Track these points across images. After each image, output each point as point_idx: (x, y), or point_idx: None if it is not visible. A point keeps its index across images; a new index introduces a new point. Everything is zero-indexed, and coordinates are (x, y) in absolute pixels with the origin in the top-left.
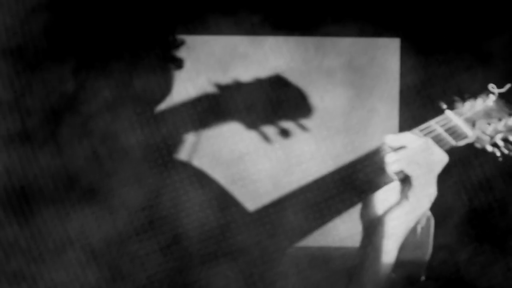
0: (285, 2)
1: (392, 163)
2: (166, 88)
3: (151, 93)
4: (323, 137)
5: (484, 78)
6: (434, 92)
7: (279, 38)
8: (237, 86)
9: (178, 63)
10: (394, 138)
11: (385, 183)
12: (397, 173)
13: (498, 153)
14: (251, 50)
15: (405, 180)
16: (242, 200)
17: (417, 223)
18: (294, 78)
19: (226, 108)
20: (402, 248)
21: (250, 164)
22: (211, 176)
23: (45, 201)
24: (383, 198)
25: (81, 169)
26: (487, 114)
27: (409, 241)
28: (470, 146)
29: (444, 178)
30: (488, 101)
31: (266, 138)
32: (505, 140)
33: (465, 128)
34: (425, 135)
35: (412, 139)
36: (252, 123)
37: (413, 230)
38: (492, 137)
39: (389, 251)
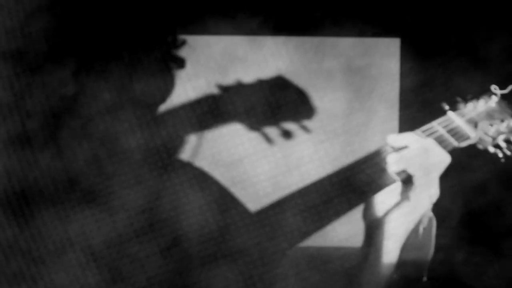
0: (284, 3)
1: (394, 163)
2: (165, 91)
3: (150, 96)
4: (323, 139)
5: (485, 79)
6: (434, 93)
7: (278, 39)
8: (237, 88)
9: (180, 63)
10: (396, 138)
11: (387, 184)
12: (399, 174)
13: (500, 154)
14: (251, 51)
15: (407, 181)
16: (242, 203)
17: (419, 223)
18: (294, 79)
19: (225, 111)
20: (404, 248)
21: (249, 167)
22: (210, 179)
23: (45, 203)
24: (385, 199)
25: (81, 171)
26: (489, 115)
27: (411, 242)
28: (472, 147)
29: (441, 180)
30: (491, 102)
31: (265, 140)
32: (507, 141)
33: (467, 129)
34: (428, 136)
35: (414, 139)
36: (252, 126)
37: (415, 231)
38: (494, 138)
39: (390, 251)
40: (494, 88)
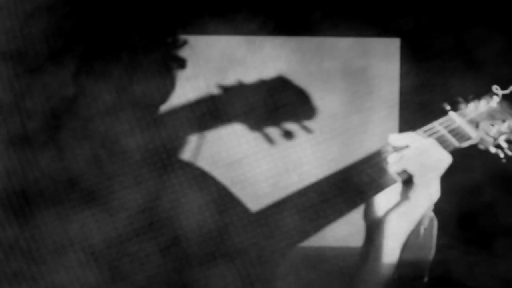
0: (284, 4)
1: (395, 163)
2: (166, 92)
3: (150, 97)
4: (323, 139)
5: (486, 79)
6: (434, 94)
7: (278, 40)
8: (236, 89)
9: (180, 63)
10: (397, 138)
11: (388, 184)
12: (400, 174)
13: (501, 155)
14: (251, 52)
15: (408, 181)
16: (240, 203)
17: (419, 224)
18: (293, 80)
19: (224, 112)
20: (405, 249)
21: (248, 168)
22: (210, 179)
23: (45, 202)
24: (385, 198)
25: (81, 172)
26: (491, 116)
27: (412, 242)
28: (473, 147)
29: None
30: (492, 102)
31: (266, 141)
32: (509, 141)
33: (469, 130)
34: (429, 136)
35: (415, 139)
36: (251, 126)
37: (416, 231)
38: (495, 139)
39: (390, 251)
40: (495, 88)
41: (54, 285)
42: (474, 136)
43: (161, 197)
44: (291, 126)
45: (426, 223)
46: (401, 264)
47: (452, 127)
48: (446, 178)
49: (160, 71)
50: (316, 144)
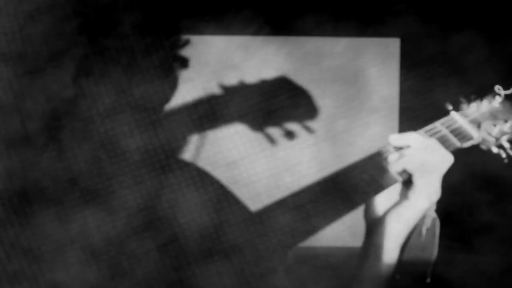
0: (284, 3)
1: (395, 163)
2: (168, 92)
3: (149, 100)
4: (323, 140)
5: (486, 79)
6: (434, 93)
7: (278, 40)
8: (234, 91)
9: (183, 63)
10: (398, 138)
11: (389, 184)
12: (401, 173)
13: (503, 155)
14: (250, 52)
15: (408, 181)
16: (236, 202)
17: (422, 224)
18: (294, 80)
19: (221, 115)
20: (408, 249)
21: (244, 168)
22: (206, 179)
23: (46, 202)
24: (386, 198)
25: (81, 172)
26: (493, 116)
27: (414, 242)
28: (475, 147)
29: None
30: (494, 102)
31: (262, 142)
32: (511, 141)
33: (471, 130)
34: (430, 136)
35: (416, 138)
36: (248, 128)
37: (418, 232)
38: (497, 139)
39: (390, 250)
40: (497, 88)
41: (55, 283)
42: (476, 136)
43: (160, 196)
44: (290, 126)
45: (428, 223)
46: (404, 264)
47: (454, 127)
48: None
49: (159, 73)
50: (316, 144)
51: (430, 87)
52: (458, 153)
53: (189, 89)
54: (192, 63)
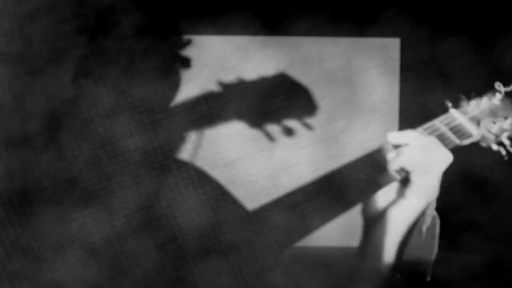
0: (285, 3)
1: (393, 161)
2: (163, 96)
3: (148, 101)
4: (322, 139)
5: (486, 78)
6: (434, 93)
7: (278, 40)
8: (230, 93)
9: (186, 63)
10: (396, 136)
11: (387, 183)
12: (399, 172)
13: (503, 152)
14: (250, 51)
15: (406, 179)
16: (233, 202)
17: (422, 222)
18: (293, 80)
19: (219, 116)
20: (407, 247)
21: (241, 168)
22: (204, 179)
23: (46, 202)
24: (383, 196)
25: (81, 172)
26: (493, 113)
27: (414, 241)
28: (475, 145)
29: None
30: (494, 99)
31: (258, 142)
32: (511, 138)
33: (470, 127)
34: (429, 134)
35: (415, 136)
36: (245, 129)
37: (419, 230)
38: (497, 136)
39: (388, 248)
40: (498, 85)
41: (55, 282)
42: (475, 133)
43: (159, 196)
44: (288, 126)
45: (428, 221)
46: (404, 263)
47: (453, 124)
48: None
49: (158, 75)
50: (314, 144)
51: (430, 87)
52: (456, 151)
53: (187, 89)
54: (191, 64)
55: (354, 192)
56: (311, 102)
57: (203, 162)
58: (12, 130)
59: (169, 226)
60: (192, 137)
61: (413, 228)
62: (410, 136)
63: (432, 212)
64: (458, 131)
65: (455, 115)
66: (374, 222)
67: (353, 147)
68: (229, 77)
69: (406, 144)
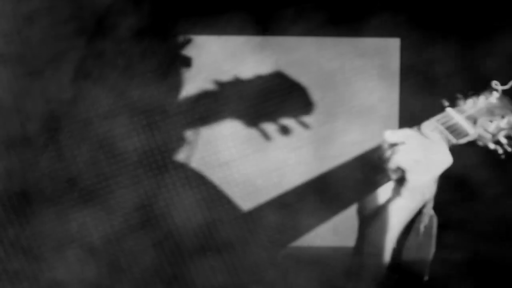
0: (284, 3)
1: (389, 159)
2: (160, 98)
3: (146, 102)
4: (322, 138)
5: (486, 77)
6: (434, 93)
7: (276, 40)
8: (227, 95)
9: (186, 62)
10: (393, 134)
11: (383, 182)
12: (395, 171)
13: (500, 151)
14: (247, 51)
15: (402, 178)
16: (228, 201)
17: (419, 222)
18: (292, 79)
19: (215, 117)
20: (405, 247)
21: (236, 169)
22: (200, 180)
23: (45, 202)
24: (379, 195)
25: (80, 172)
26: (490, 112)
27: (412, 241)
28: (472, 143)
29: None
30: (491, 98)
31: (255, 142)
32: (509, 137)
33: (466, 126)
34: (426, 133)
35: (411, 135)
36: (240, 131)
37: (416, 230)
38: (494, 135)
39: (384, 247)
40: (495, 84)
41: (55, 281)
42: (471, 132)
43: (156, 196)
44: (285, 124)
45: (426, 220)
46: (401, 262)
47: (449, 123)
48: None
49: (155, 77)
50: (312, 144)
51: (429, 87)
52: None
53: (185, 91)
54: (186, 65)
55: (350, 192)
56: (309, 102)
57: (199, 162)
58: (11, 131)
59: (166, 225)
60: (188, 138)
61: (410, 228)
62: (407, 135)
63: (429, 212)
64: (455, 130)
65: (451, 114)
66: (370, 221)
67: (352, 148)
68: (226, 78)
69: (403, 143)
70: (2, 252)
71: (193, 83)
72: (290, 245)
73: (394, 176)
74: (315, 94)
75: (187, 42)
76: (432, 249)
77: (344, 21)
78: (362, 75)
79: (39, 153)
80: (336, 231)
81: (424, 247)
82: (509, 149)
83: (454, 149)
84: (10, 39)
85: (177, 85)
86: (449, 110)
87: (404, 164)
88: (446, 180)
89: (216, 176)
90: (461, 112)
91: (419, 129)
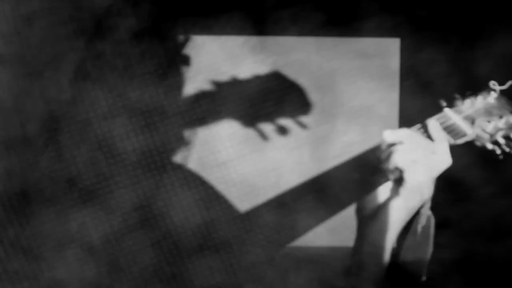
0: (284, 3)
1: (387, 159)
2: (159, 99)
3: (145, 103)
4: (321, 138)
5: (486, 77)
6: (434, 93)
7: (275, 40)
8: (224, 96)
9: (185, 61)
10: (391, 134)
11: (381, 182)
12: (393, 171)
13: (498, 151)
14: (245, 51)
15: (400, 178)
16: (226, 201)
17: (417, 222)
18: (292, 79)
19: (212, 118)
20: (403, 247)
21: (233, 169)
22: (198, 180)
23: (45, 202)
24: (377, 195)
25: (79, 173)
26: (488, 112)
27: (410, 241)
28: (470, 144)
29: None
30: (489, 98)
31: (253, 142)
32: (507, 137)
33: (464, 126)
34: (423, 133)
35: (409, 135)
36: (237, 131)
37: (414, 230)
38: (492, 135)
39: (383, 246)
40: (492, 84)
41: (54, 281)
42: (469, 132)
43: (155, 196)
44: (283, 125)
45: (423, 221)
46: (399, 263)
47: (447, 124)
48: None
49: (154, 78)
50: (313, 143)
51: (429, 87)
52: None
53: (182, 92)
54: (185, 66)
55: (348, 192)
56: (307, 103)
57: (197, 163)
58: (11, 131)
59: (165, 225)
60: (186, 139)
61: (409, 228)
62: (405, 135)
63: (427, 212)
64: (452, 130)
65: (449, 114)
66: (368, 221)
67: (351, 148)
68: (224, 79)
69: (401, 143)
70: (2, 252)
71: (192, 83)
72: (288, 245)
73: (392, 176)
74: (314, 95)
75: (186, 40)
76: (430, 249)
77: (344, 21)
78: (362, 75)
79: (39, 153)
80: (334, 231)
81: (421, 247)
82: (507, 149)
83: (451, 150)
84: (10, 40)
85: (176, 86)
86: (447, 110)
87: (402, 164)
88: (440, 180)
89: (214, 176)
90: (459, 112)
91: (422, 128)
